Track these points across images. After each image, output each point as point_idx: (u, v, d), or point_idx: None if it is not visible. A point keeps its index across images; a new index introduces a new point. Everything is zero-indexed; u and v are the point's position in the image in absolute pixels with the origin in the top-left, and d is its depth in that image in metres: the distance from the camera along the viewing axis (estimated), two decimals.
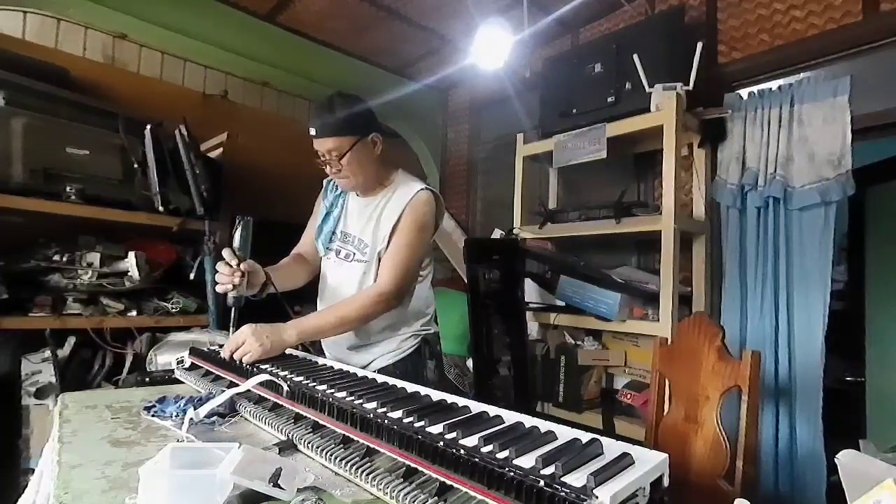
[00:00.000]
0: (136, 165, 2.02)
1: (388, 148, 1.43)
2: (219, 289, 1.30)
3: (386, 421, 0.75)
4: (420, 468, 0.68)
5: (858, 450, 1.01)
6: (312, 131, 1.33)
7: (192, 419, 0.89)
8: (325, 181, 1.58)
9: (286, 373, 1.06)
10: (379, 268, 1.38)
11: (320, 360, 1.26)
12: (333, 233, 1.50)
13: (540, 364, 2.45)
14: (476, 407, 0.86)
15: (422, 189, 1.40)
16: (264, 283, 1.36)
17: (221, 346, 1.44)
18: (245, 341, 1.18)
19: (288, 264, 1.53)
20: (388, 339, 1.43)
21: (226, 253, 1.29)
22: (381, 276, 1.36)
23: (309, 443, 0.81)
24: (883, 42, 1.99)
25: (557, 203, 2.84)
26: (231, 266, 1.27)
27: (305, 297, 1.60)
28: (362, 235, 1.44)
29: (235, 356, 1.17)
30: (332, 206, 1.52)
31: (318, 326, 1.31)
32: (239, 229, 1.32)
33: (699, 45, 2.12)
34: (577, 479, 0.58)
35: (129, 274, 2.04)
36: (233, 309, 1.30)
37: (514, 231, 2.69)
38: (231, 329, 1.27)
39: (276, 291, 1.38)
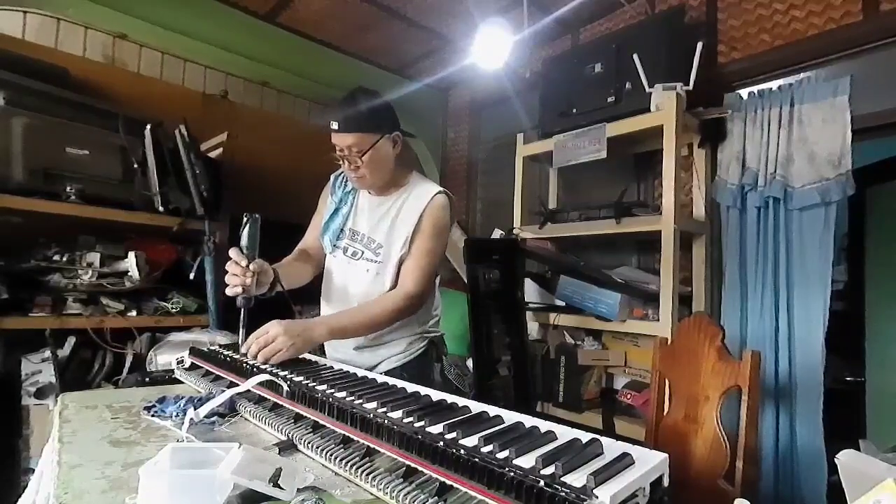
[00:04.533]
0: (136, 165, 2.02)
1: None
2: (229, 291, 1.24)
3: (386, 421, 0.75)
4: (420, 468, 0.68)
5: (858, 450, 1.01)
6: (334, 125, 1.29)
7: (192, 419, 0.89)
8: (332, 176, 1.54)
9: (286, 373, 1.06)
10: (400, 271, 1.37)
11: (321, 361, 1.26)
12: (342, 230, 1.47)
13: (540, 364, 2.45)
14: (476, 407, 0.86)
15: (438, 192, 1.39)
16: (273, 282, 1.31)
17: (222, 345, 1.44)
18: (276, 340, 1.14)
19: (293, 261, 1.50)
20: (397, 341, 1.42)
21: (234, 253, 1.24)
22: (406, 280, 1.35)
23: (309, 443, 0.81)
24: (883, 42, 1.98)
25: (557, 203, 2.84)
26: (241, 266, 1.22)
27: (305, 295, 1.59)
28: (373, 235, 1.42)
29: (262, 355, 1.12)
30: (342, 202, 1.49)
31: (349, 326, 1.29)
32: (247, 227, 1.26)
33: (699, 45, 2.12)
34: (577, 479, 0.58)
35: (129, 274, 2.04)
36: (242, 311, 1.24)
37: (514, 231, 2.69)
38: (241, 332, 1.22)
39: (284, 290, 1.35)
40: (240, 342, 1.24)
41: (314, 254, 1.54)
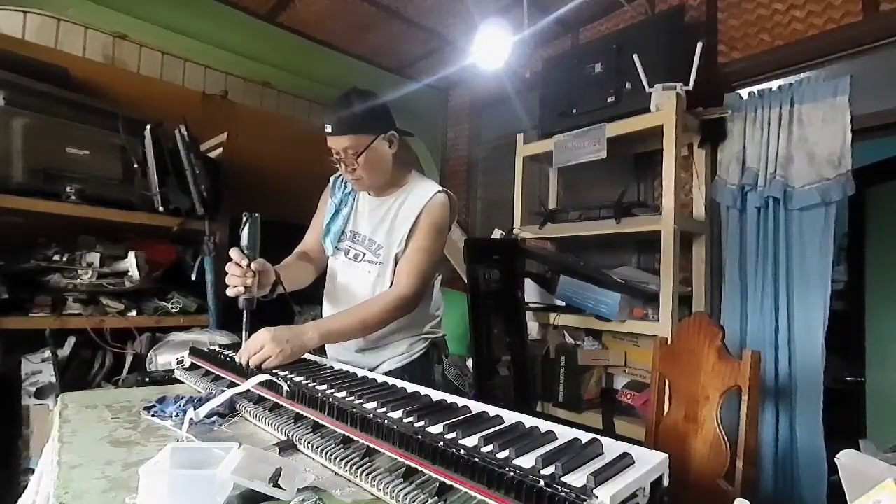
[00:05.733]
0: (136, 165, 2.02)
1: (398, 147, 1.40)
2: (229, 292, 1.22)
3: (386, 421, 0.75)
4: (420, 468, 0.68)
5: (858, 450, 1.01)
6: (328, 128, 1.28)
7: (192, 419, 0.89)
8: (332, 178, 1.53)
9: (286, 373, 1.06)
10: (395, 271, 1.35)
11: (320, 361, 1.26)
12: (343, 232, 1.46)
13: (540, 364, 2.45)
14: (476, 407, 0.86)
15: (438, 192, 1.37)
16: (274, 283, 1.29)
17: (222, 345, 1.44)
18: (264, 347, 1.12)
19: (294, 263, 1.48)
20: (398, 342, 1.40)
21: (234, 253, 1.22)
22: (400, 280, 1.32)
23: (309, 443, 0.81)
24: (883, 42, 1.98)
25: (557, 203, 2.84)
26: (242, 266, 1.20)
27: (305, 296, 1.59)
28: (374, 236, 1.41)
29: (253, 362, 1.11)
30: (342, 203, 1.48)
31: (340, 329, 1.28)
32: (246, 227, 1.24)
33: (699, 45, 2.12)
34: (577, 479, 0.58)
35: (129, 274, 2.04)
36: (245, 312, 1.21)
37: (514, 231, 2.69)
38: (244, 334, 1.21)
39: (286, 292, 1.33)
40: (243, 344, 1.22)
41: (315, 255, 1.53)
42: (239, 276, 1.21)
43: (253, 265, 1.21)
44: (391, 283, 1.36)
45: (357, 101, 1.28)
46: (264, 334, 1.15)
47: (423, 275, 1.33)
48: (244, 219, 1.25)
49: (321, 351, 1.43)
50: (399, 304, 1.29)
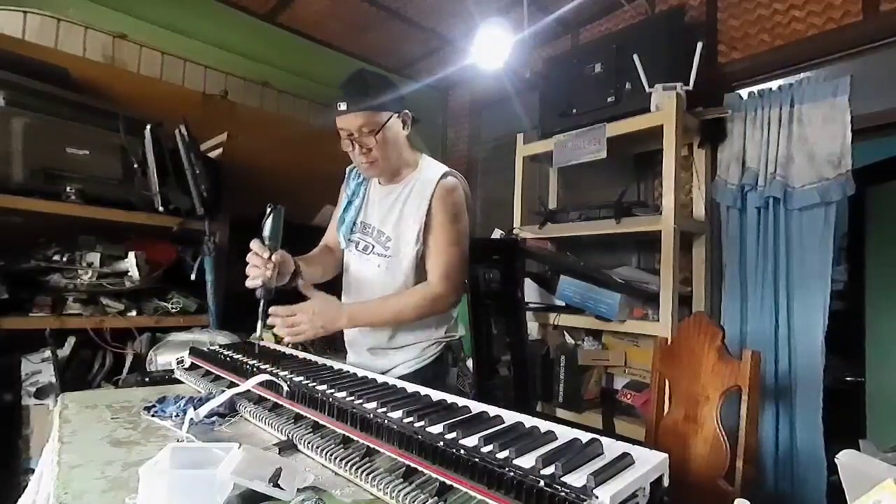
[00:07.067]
0: (136, 165, 2.02)
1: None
2: (248, 283, 1.21)
3: (386, 421, 0.76)
4: (420, 468, 0.68)
5: (858, 450, 1.01)
6: (341, 106, 1.24)
7: (192, 419, 0.89)
8: (347, 169, 1.51)
9: (286, 373, 1.06)
10: (412, 266, 1.32)
11: (320, 360, 1.26)
12: (354, 223, 1.44)
13: (540, 364, 2.45)
14: (476, 407, 0.86)
15: (444, 175, 1.33)
16: (294, 273, 1.29)
17: (222, 345, 1.44)
18: (302, 323, 1.21)
19: (317, 256, 1.48)
20: (411, 346, 1.37)
21: (255, 244, 1.21)
22: (432, 278, 1.30)
23: (309, 443, 0.81)
24: (883, 42, 1.98)
25: (557, 203, 2.84)
26: (262, 258, 1.19)
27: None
28: (382, 227, 1.38)
29: (285, 333, 1.21)
30: (354, 194, 1.46)
31: (371, 320, 1.32)
32: (269, 218, 1.23)
33: (699, 45, 2.12)
34: (577, 479, 0.58)
35: (129, 274, 2.04)
36: (262, 302, 1.21)
37: (514, 231, 2.69)
38: (260, 324, 1.21)
39: (303, 282, 1.32)
40: (258, 333, 1.24)
41: (335, 249, 1.52)
42: (258, 267, 1.20)
43: (274, 257, 1.21)
44: (402, 277, 1.33)
45: (370, 79, 1.27)
46: (306, 312, 1.22)
47: (455, 268, 1.32)
48: (268, 210, 1.24)
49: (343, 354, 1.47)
50: (435, 301, 1.29)
